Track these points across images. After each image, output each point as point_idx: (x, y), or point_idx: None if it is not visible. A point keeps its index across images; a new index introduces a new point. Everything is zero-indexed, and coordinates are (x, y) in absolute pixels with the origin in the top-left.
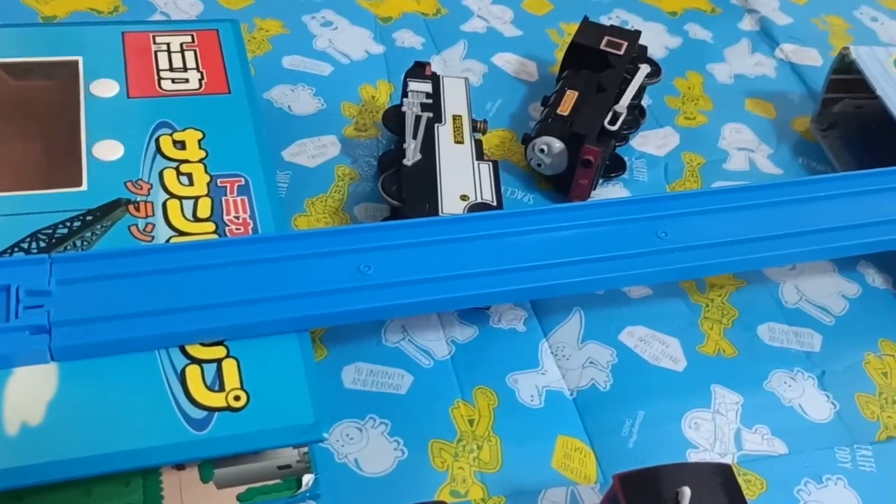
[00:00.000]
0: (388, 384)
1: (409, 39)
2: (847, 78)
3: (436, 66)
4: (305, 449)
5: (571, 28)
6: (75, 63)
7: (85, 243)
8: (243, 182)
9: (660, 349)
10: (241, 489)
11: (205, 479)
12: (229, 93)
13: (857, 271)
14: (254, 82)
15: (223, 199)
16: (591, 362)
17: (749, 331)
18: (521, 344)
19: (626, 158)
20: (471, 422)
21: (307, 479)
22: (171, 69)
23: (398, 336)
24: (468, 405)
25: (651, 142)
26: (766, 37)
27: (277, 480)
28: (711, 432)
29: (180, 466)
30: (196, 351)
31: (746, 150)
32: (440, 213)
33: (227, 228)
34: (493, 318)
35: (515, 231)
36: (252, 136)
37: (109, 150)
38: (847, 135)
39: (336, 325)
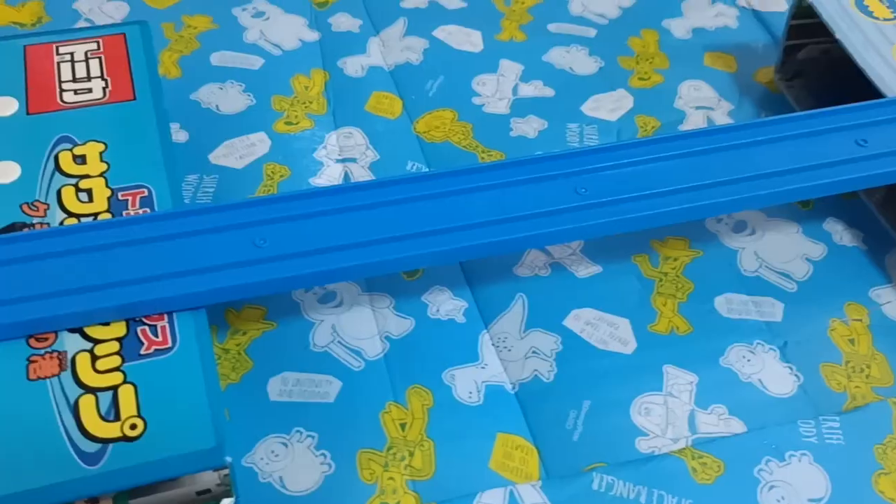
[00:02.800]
0: (315, 392)
1: (345, 23)
2: (808, 23)
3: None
4: (226, 471)
5: None
6: None
7: None
8: (146, 193)
9: (608, 332)
10: None
11: None
12: (135, 99)
13: (823, 230)
14: (165, 84)
15: (124, 213)
16: (533, 352)
17: (705, 304)
18: (459, 336)
19: (575, 125)
20: (402, 426)
21: (225, 503)
22: (74, 80)
23: (327, 339)
24: (400, 408)
25: (603, 106)
26: None
27: None
28: (663, 417)
29: (93, 501)
30: (90, 379)
31: (705, 108)
32: None
33: None
34: (430, 309)
35: (431, 194)
36: (157, 142)
37: (5, 172)
38: (813, 83)
39: (233, 300)
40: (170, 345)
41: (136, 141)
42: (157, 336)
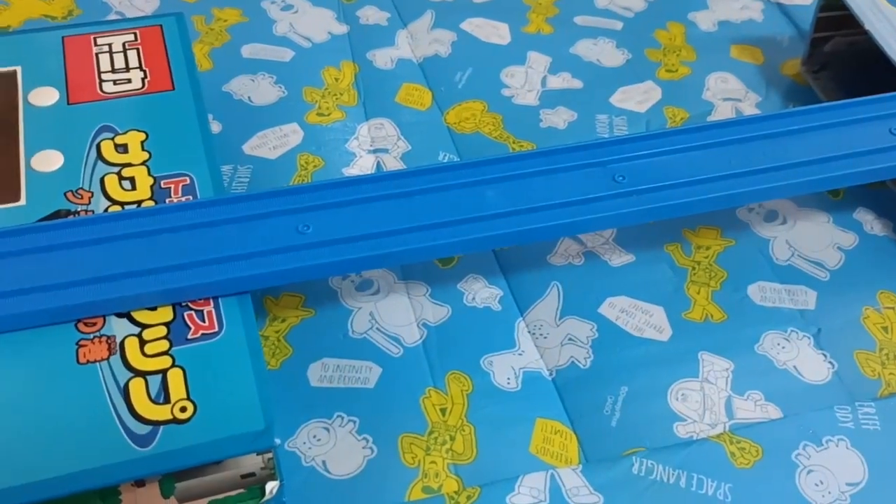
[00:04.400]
0: (355, 378)
1: (373, 16)
2: (835, 15)
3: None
4: (270, 455)
5: None
6: (13, 73)
7: None
8: (188, 181)
9: (643, 319)
10: (203, 502)
11: (166, 494)
12: (174, 89)
13: (853, 219)
14: (199, 75)
15: (167, 200)
16: (570, 339)
17: (739, 292)
18: (496, 324)
19: (604, 116)
20: (443, 411)
21: (271, 486)
22: (114, 70)
23: (365, 326)
24: (440, 393)
25: (631, 97)
26: None
27: (241, 490)
28: (700, 402)
29: (140, 483)
30: (139, 362)
31: (733, 100)
32: None
33: None
34: (466, 297)
35: (470, 182)
36: (197, 131)
37: (49, 161)
38: (840, 74)
39: (277, 285)
40: (216, 329)
41: (176, 130)
42: (203, 321)
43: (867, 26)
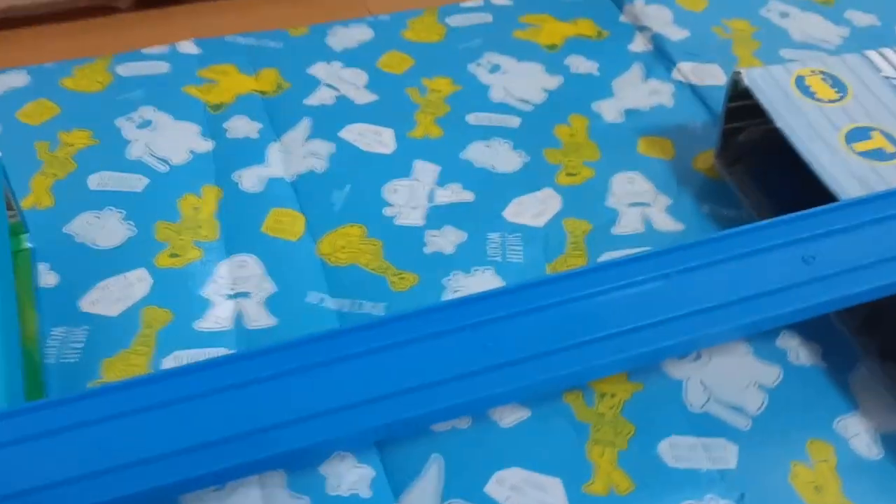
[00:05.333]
0: None
1: (243, 127)
2: (747, 104)
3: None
4: None
5: (434, 84)
6: None
7: None
8: None
9: (536, 499)
10: None
11: None
12: None
13: (777, 348)
14: (8, 232)
15: None
16: None
17: (648, 451)
18: None
19: (496, 234)
20: None
21: None
22: None
23: None
24: None
25: (527, 210)
26: (662, 57)
27: None
28: None
29: None
30: None
31: (641, 204)
32: None
33: None
34: (329, 483)
35: (342, 356)
36: None
37: None
38: (756, 167)
39: None
40: None
41: None
42: None
43: (779, 123)
